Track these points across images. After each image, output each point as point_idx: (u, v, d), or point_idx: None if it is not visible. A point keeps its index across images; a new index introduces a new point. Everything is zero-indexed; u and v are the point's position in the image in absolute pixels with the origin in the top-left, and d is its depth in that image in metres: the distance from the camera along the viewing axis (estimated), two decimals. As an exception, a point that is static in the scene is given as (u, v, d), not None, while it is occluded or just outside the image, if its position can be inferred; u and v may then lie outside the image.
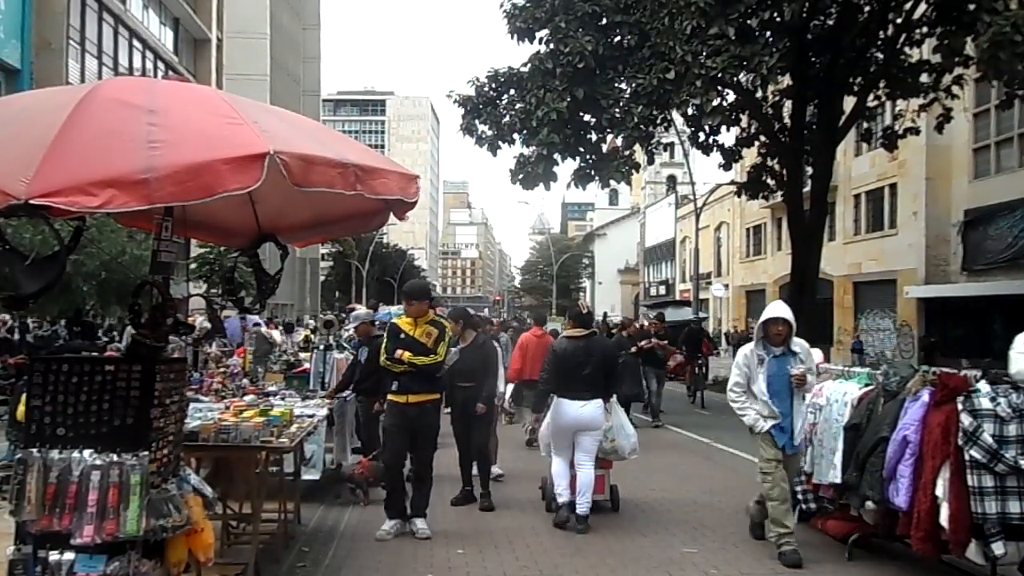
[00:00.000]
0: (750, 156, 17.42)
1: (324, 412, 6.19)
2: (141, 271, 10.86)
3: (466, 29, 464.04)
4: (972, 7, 10.72)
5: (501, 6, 14.55)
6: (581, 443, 5.94)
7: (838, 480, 5.39)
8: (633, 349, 12.07)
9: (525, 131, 13.90)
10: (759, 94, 14.60)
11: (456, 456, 6.87)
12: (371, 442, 7.56)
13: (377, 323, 7.95)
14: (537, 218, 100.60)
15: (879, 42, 13.33)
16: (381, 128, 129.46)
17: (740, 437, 10.46)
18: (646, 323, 14.91)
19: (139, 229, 6.72)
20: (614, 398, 6.39)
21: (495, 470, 7.47)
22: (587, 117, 14.30)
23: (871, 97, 14.11)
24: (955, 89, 13.43)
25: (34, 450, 3.00)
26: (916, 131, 15.03)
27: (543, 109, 13.18)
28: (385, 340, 5.70)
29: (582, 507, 5.81)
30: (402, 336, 5.58)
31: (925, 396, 4.82)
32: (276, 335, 12.38)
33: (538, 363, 7.10)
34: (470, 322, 7.01)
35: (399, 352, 5.47)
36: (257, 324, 10.88)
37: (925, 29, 12.89)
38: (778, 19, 12.05)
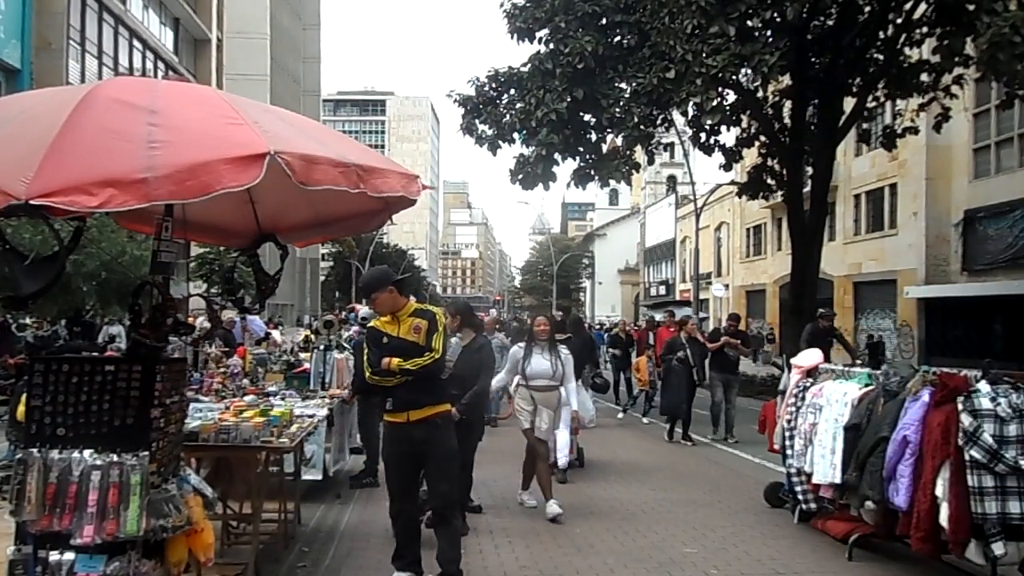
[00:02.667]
0: (750, 156, 17.42)
1: (324, 412, 6.19)
2: (141, 271, 10.88)
3: (466, 29, 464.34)
4: (972, 8, 10.71)
5: (501, 6, 14.57)
6: (558, 417, 7.23)
7: (838, 480, 5.39)
8: (680, 354, 10.46)
9: (525, 131, 13.91)
10: (759, 94, 14.60)
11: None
12: (369, 441, 7.57)
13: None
14: (537, 218, 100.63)
15: (879, 42, 13.32)
16: (381, 128, 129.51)
17: (740, 437, 10.47)
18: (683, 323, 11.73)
19: (138, 231, 6.71)
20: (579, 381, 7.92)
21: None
22: (587, 117, 14.30)
23: (871, 97, 14.10)
24: (955, 89, 13.42)
25: (34, 450, 3.00)
26: (915, 131, 15.03)
27: (543, 109, 13.18)
28: (365, 352, 4.57)
29: (562, 460, 6.90)
30: (385, 340, 4.43)
31: (925, 396, 4.82)
32: (276, 335, 12.40)
33: None
34: (470, 320, 6.22)
35: (385, 361, 4.34)
36: (268, 334, 10.96)
37: (925, 29, 12.88)
38: (778, 19, 12.05)
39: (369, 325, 4.85)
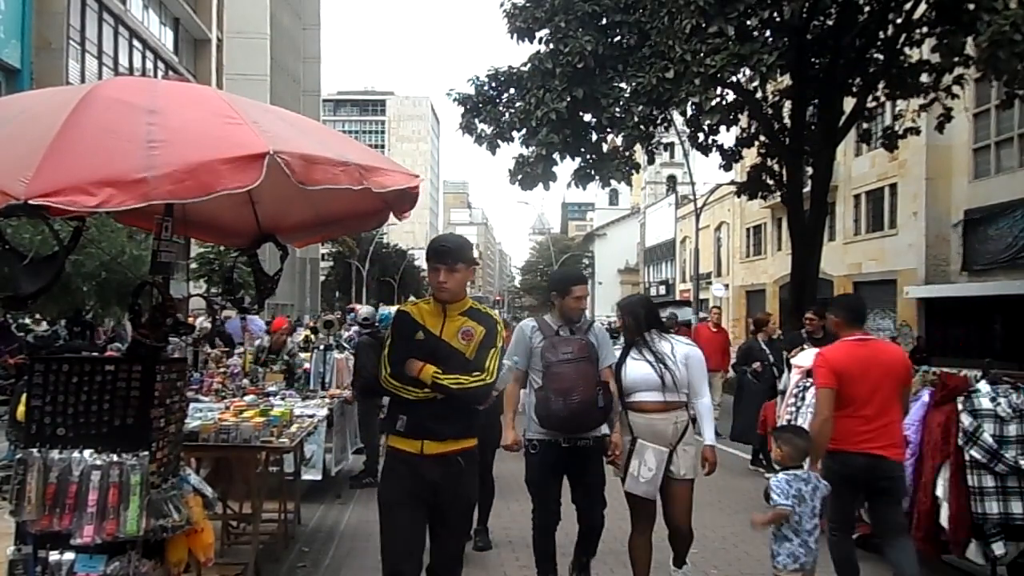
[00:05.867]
0: (750, 156, 17.41)
1: (324, 412, 6.19)
2: (141, 271, 10.87)
3: (466, 29, 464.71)
4: (971, 7, 10.71)
5: (501, 6, 14.56)
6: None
7: (838, 480, 5.38)
8: (757, 365, 8.42)
9: (524, 131, 13.91)
10: (759, 94, 14.60)
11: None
12: (370, 441, 7.58)
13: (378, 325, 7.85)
14: (537, 218, 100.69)
15: (879, 42, 13.32)
16: (381, 128, 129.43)
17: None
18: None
19: (139, 229, 6.72)
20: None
21: None
22: (587, 117, 14.30)
23: (871, 97, 14.10)
24: (955, 89, 13.42)
25: (34, 450, 3.00)
26: (916, 131, 15.03)
27: (543, 109, 13.18)
28: (388, 342, 3.37)
29: None
30: (420, 336, 3.27)
31: (925, 396, 4.83)
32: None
33: None
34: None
35: (415, 366, 3.20)
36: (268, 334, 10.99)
37: (925, 29, 12.89)
38: (777, 19, 12.05)
39: (401, 308, 3.64)
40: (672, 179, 51.42)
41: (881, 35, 13.20)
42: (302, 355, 8.42)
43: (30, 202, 2.33)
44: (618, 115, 13.60)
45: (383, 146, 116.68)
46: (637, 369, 4.14)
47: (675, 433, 4.11)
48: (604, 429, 4.14)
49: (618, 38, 13.90)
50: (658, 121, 14.65)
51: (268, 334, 9.18)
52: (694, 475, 4.16)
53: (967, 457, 4.43)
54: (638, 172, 17.27)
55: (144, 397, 3.10)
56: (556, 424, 4.07)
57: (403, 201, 3.33)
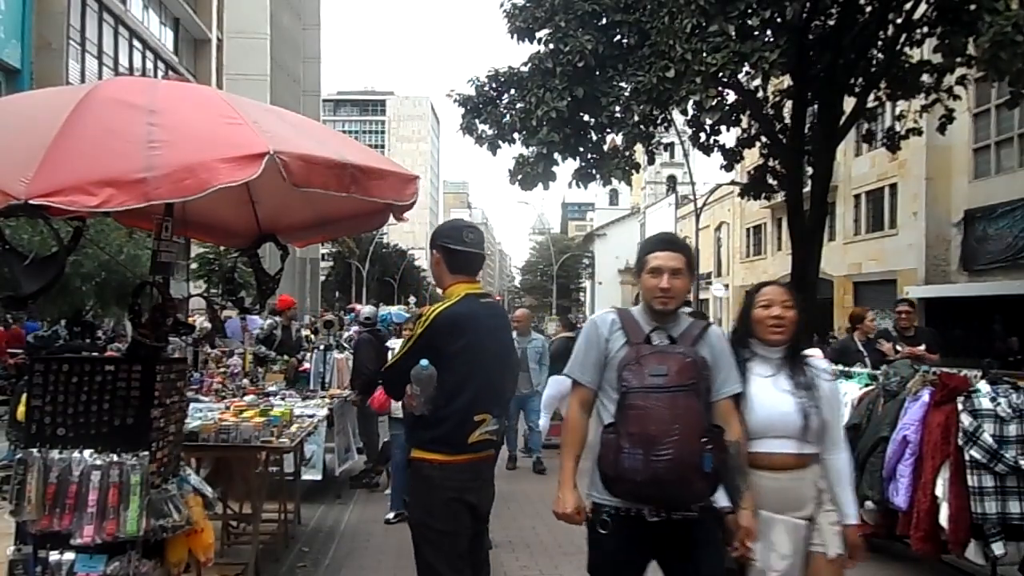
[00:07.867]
0: (751, 157, 17.42)
1: (324, 412, 6.19)
2: (138, 269, 10.87)
3: (466, 29, 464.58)
4: (973, 7, 10.70)
5: (501, 6, 14.54)
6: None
7: (838, 480, 5.39)
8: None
9: (525, 131, 13.90)
10: (760, 94, 14.60)
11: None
12: (370, 441, 7.58)
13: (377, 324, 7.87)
14: (537, 218, 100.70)
15: (879, 42, 13.32)
16: (381, 128, 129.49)
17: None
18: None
19: (138, 228, 6.70)
20: None
21: None
22: (587, 116, 14.30)
23: (872, 97, 14.09)
24: (957, 89, 13.41)
25: (34, 450, 3.00)
26: (918, 132, 15.02)
27: (543, 108, 13.17)
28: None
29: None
30: None
31: (925, 396, 4.82)
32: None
33: None
34: None
35: None
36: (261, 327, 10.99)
37: (926, 29, 12.88)
38: (778, 19, 12.04)
39: None
40: (672, 179, 51.46)
41: (881, 35, 13.20)
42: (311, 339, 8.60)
43: (31, 202, 2.34)
44: (618, 115, 13.59)
45: (383, 146, 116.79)
46: (770, 401, 2.67)
47: (816, 500, 2.72)
48: (720, 499, 2.54)
49: (618, 38, 13.89)
50: (658, 121, 14.64)
51: (274, 314, 9.20)
52: (845, 551, 2.70)
53: (967, 457, 4.42)
54: (638, 172, 17.24)
55: (144, 397, 3.10)
56: (630, 491, 2.44)
57: (399, 205, 3.32)
